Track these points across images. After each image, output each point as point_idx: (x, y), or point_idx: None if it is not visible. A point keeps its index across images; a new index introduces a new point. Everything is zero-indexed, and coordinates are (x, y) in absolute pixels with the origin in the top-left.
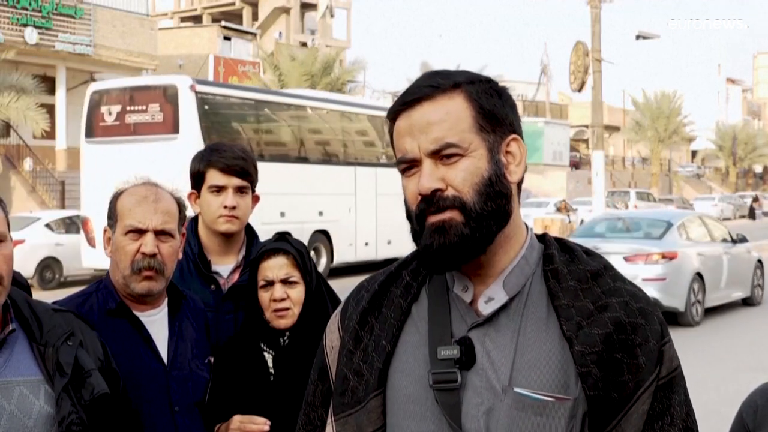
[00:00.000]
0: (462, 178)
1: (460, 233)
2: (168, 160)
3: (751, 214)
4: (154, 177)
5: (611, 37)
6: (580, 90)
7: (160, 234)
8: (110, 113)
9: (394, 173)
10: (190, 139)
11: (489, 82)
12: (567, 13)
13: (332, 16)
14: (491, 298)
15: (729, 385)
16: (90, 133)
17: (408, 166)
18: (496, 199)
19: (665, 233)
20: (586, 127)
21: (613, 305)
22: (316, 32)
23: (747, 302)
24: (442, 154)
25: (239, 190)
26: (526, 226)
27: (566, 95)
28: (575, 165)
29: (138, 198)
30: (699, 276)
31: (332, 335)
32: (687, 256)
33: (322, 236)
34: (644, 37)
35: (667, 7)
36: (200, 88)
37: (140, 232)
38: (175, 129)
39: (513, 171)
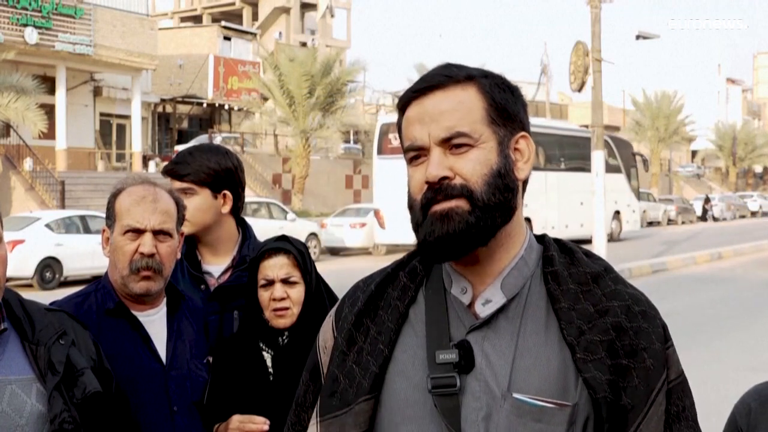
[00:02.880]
0: (471, 167)
1: (465, 221)
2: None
3: (703, 217)
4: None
5: (611, 37)
6: (580, 90)
7: (159, 234)
8: (396, 138)
9: (570, 176)
10: None
11: (502, 78)
12: (567, 13)
13: (332, 16)
14: (489, 300)
15: (729, 385)
16: (380, 151)
17: (415, 154)
18: (504, 192)
19: None
20: (587, 127)
21: (615, 309)
22: (316, 32)
23: None
24: (452, 144)
25: (182, 192)
26: (526, 227)
27: (566, 95)
28: None
29: (136, 198)
30: None
31: (326, 336)
32: None
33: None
34: (644, 37)
35: (667, 7)
36: None
37: (138, 232)
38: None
39: (521, 168)
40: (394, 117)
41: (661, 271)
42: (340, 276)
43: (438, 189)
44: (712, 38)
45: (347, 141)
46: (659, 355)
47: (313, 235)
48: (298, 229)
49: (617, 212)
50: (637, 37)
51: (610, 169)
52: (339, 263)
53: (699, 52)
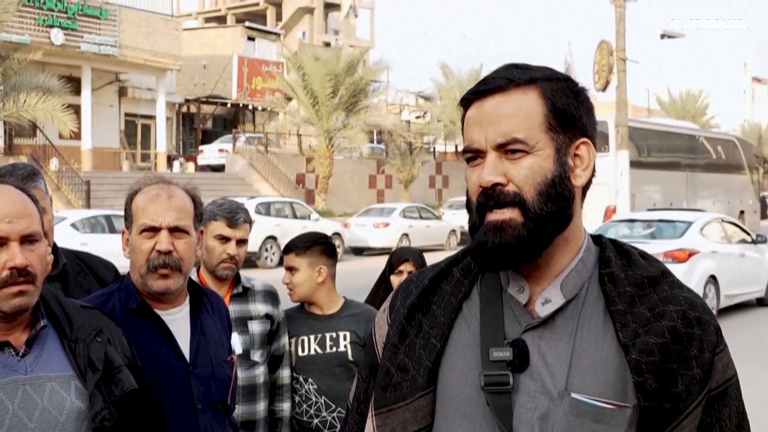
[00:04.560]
0: (524, 175)
1: (517, 234)
2: (598, 169)
3: None
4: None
5: (636, 36)
6: (604, 89)
7: (175, 231)
8: None
9: (706, 177)
10: (615, 155)
11: (567, 81)
12: (591, 12)
13: (356, 16)
14: (548, 300)
15: (748, 384)
16: None
17: (473, 156)
18: (557, 201)
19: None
20: None
21: (670, 313)
22: (340, 32)
23: (761, 302)
24: (507, 149)
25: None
26: (583, 229)
27: (590, 94)
28: None
29: (150, 196)
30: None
31: (381, 330)
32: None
33: None
34: (669, 36)
35: (693, 5)
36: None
37: (154, 230)
38: (606, 148)
39: (578, 175)
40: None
41: None
42: (364, 275)
43: (490, 194)
44: (738, 37)
45: (371, 141)
46: (707, 366)
47: (337, 234)
48: (321, 228)
49: (742, 212)
50: (662, 36)
51: (734, 169)
52: (362, 263)
53: (725, 51)
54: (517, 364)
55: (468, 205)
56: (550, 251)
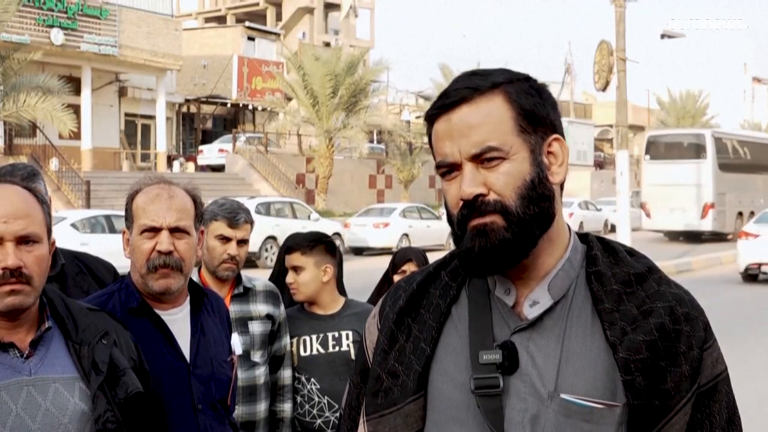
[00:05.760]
0: (504, 182)
1: (501, 237)
2: (697, 172)
3: None
4: (686, 182)
5: (636, 36)
6: (604, 89)
7: (176, 231)
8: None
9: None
10: (711, 161)
11: (528, 80)
12: (591, 12)
13: (356, 16)
14: (536, 301)
15: (758, 386)
16: (652, 157)
17: (448, 170)
18: (539, 202)
19: None
20: (611, 126)
21: (658, 310)
22: (340, 32)
23: None
24: (483, 158)
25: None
26: (568, 227)
27: (590, 94)
28: (599, 165)
29: (151, 197)
30: None
31: (371, 336)
32: None
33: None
34: (669, 36)
35: (693, 5)
36: (715, 134)
37: (155, 230)
38: (704, 155)
39: (555, 172)
40: (660, 131)
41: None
42: (364, 275)
43: (473, 206)
44: (738, 37)
45: (371, 141)
46: (695, 362)
47: (337, 234)
48: (321, 228)
49: None
50: (662, 36)
51: None
52: (362, 263)
53: (724, 51)
54: (506, 366)
55: (449, 219)
56: (535, 252)
